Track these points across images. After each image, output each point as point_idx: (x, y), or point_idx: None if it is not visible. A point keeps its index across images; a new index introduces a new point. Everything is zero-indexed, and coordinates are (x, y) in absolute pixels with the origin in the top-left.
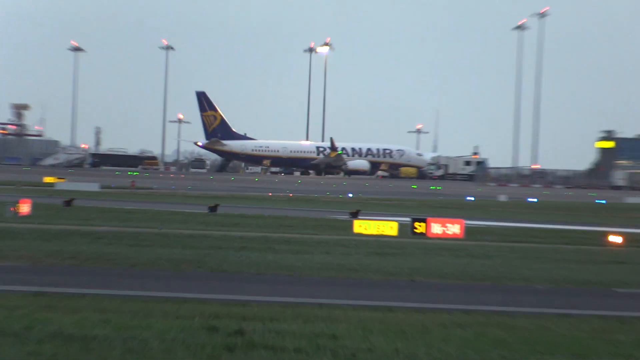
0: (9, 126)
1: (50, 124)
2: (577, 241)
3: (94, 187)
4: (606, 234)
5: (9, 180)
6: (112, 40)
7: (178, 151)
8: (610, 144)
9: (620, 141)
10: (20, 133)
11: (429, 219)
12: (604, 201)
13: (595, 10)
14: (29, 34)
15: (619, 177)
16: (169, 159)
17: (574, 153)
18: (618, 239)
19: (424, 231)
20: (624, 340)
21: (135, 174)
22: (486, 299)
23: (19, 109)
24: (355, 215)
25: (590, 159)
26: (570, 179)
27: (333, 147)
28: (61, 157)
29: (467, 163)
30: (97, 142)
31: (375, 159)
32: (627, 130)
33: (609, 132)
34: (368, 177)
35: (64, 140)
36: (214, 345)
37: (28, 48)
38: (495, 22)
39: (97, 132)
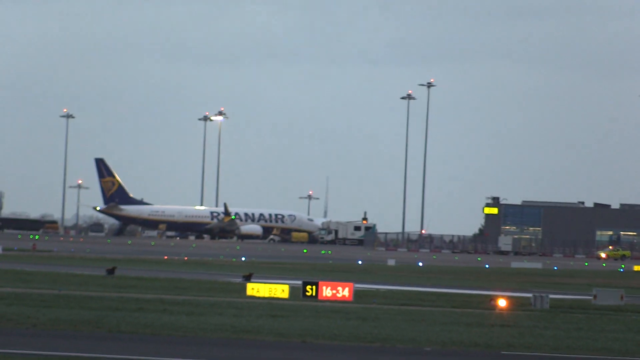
0: None
1: None
2: (464, 304)
3: None
4: (492, 297)
5: None
6: (14, 108)
7: (77, 215)
8: (495, 210)
9: (505, 207)
10: None
11: (320, 282)
12: (487, 265)
13: (480, 80)
14: None
15: (504, 242)
16: (68, 223)
17: (462, 219)
18: (504, 303)
19: (314, 294)
20: None
21: (36, 237)
22: None
23: None
24: (248, 278)
25: (478, 224)
26: (457, 244)
27: (227, 212)
28: None
29: (357, 228)
30: (0, 206)
31: (268, 224)
32: (513, 197)
33: (494, 198)
34: (261, 241)
35: None
36: None
37: None
38: (385, 92)
39: (0, 196)
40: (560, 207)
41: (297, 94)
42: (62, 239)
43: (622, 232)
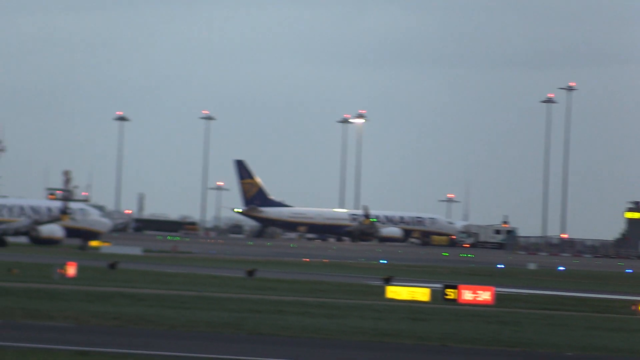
0: (57, 192)
1: (96, 190)
2: (605, 309)
3: (137, 250)
4: (635, 302)
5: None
6: (155, 110)
7: (218, 217)
8: (636, 215)
9: None
10: (67, 198)
11: (460, 285)
12: (629, 270)
13: (622, 83)
14: (76, 104)
15: None
16: (208, 225)
17: (602, 223)
18: None
19: (455, 297)
20: None
21: (176, 238)
22: None
23: (67, 175)
24: (388, 281)
25: (619, 229)
26: (598, 249)
27: (367, 215)
28: None
29: (497, 232)
30: (140, 208)
31: (408, 227)
32: None
33: (636, 203)
34: (401, 244)
35: (109, 205)
36: None
37: (75, 117)
38: (524, 95)
39: (141, 198)
40: None
41: (436, 97)
42: (202, 240)
43: None
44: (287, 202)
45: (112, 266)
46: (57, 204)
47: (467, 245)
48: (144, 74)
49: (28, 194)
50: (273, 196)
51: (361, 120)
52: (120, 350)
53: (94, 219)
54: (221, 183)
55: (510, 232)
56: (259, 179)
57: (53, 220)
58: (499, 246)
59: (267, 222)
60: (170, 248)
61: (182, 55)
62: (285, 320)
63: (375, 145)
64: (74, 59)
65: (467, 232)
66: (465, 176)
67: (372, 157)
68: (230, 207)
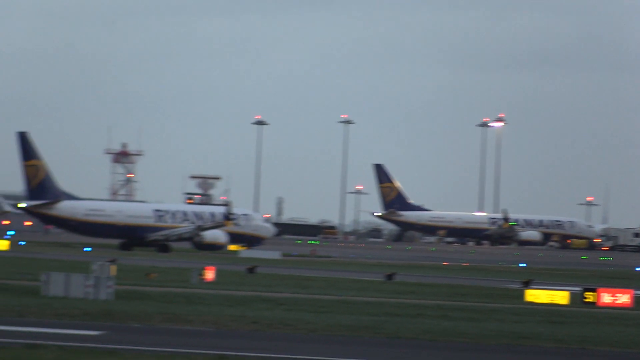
0: (195, 196)
1: (234, 194)
2: None
3: (275, 255)
4: None
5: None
6: (293, 115)
7: (357, 221)
8: None
9: None
10: (206, 203)
11: (599, 288)
12: None
13: None
14: (215, 108)
15: None
16: (347, 229)
17: None
18: None
19: (594, 300)
20: None
21: (315, 242)
22: None
23: (206, 180)
24: (527, 284)
25: None
26: None
27: (506, 219)
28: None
29: (637, 235)
30: (279, 212)
31: (547, 230)
32: None
33: None
34: (539, 247)
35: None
36: None
37: (214, 121)
38: None
39: (279, 202)
40: None
41: (574, 101)
42: (341, 244)
43: None
44: (426, 206)
45: (251, 270)
46: (220, 210)
47: (606, 249)
48: (282, 78)
49: (166, 198)
50: (412, 200)
51: (500, 124)
52: (259, 355)
53: (258, 225)
54: (360, 187)
55: None
56: (398, 183)
57: (217, 226)
58: (639, 249)
59: (406, 226)
60: (309, 252)
61: (321, 60)
62: (424, 323)
63: (514, 149)
64: (212, 63)
65: (606, 235)
66: (605, 179)
67: (511, 160)
68: (370, 211)
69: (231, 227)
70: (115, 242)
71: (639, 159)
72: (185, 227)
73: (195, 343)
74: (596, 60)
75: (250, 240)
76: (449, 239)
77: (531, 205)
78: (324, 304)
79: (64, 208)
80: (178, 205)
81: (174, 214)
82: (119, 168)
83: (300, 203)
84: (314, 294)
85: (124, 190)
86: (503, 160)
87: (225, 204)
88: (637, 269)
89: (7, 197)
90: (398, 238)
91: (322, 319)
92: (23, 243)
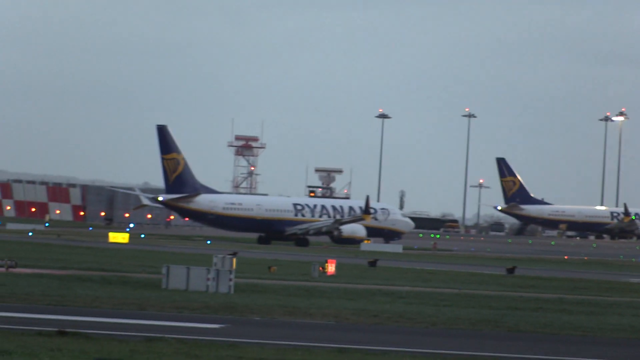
0: (318, 189)
1: (356, 187)
2: None
3: (397, 248)
4: None
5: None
6: (416, 108)
7: (478, 215)
8: None
9: None
10: (328, 196)
11: None
12: None
13: None
14: (337, 101)
15: None
16: (469, 222)
17: None
18: None
19: None
20: None
21: (436, 236)
22: None
23: (329, 173)
24: None
25: None
26: None
27: (627, 212)
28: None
29: None
30: (401, 205)
31: None
32: None
33: None
34: None
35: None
36: None
37: (336, 115)
38: None
39: (402, 195)
40: None
41: None
42: (462, 238)
43: None
44: (547, 200)
45: (372, 264)
46: (359, 204)
47: None
48: (405, 71)
49: (288, 191)
50: (534, 194)
51: (622, 118)
52: (379, 348)
53: (397, 219)
54: (482, 181)
55: None
56: (519, 177)
57: (355, 220)
58: None
59: (527, 220)
60: (431, 246)
61: (444, 53)
62: (544, 317)
63: (636, 143)
64: (336, 55)
65: None
66: None
67: (633, 154)
68: (491, 204)
69: (370, 222)
70: (254, 236)
71: None
72: (324, 221)
73: (316, 336)
74: None
75: (388, 234)
76: (570, 233)
77: None
78: (444, 297)
79: (203, 202)
80: (317, 199)
81: (312, 208)
82: (242, 161)
83: (422, 197)
84: (435, 288)
85: (246, 183)
86: (624, 155)
87: (365, 199)
88: None
89: (147, 190)
90: (520, 232)
91: (443, 312)
92: (143, 236)
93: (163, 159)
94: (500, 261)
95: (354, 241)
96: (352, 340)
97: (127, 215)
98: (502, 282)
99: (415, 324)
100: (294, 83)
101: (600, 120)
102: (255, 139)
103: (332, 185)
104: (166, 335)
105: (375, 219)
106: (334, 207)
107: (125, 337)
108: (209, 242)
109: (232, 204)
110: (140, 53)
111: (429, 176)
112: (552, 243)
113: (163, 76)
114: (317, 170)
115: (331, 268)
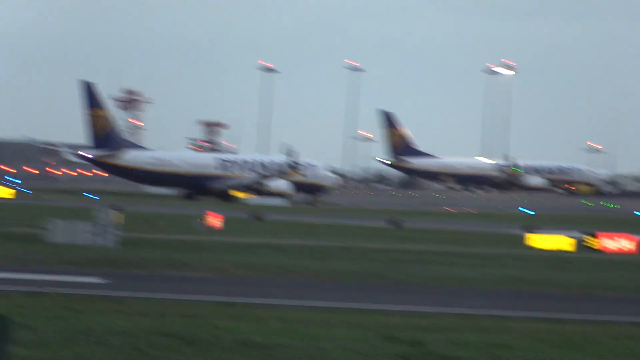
0: (203, 143)
1: (242, 141)
2: None
3: (282, 202)
4: None
5: None
6: (300, 61)
7: (363, 168)
8: None
9: None
10: (213, 150)
11: (599, 233)
12: None
13: None
14: (221, 55)
15: None
16: (354, 176)
17: None
18: None
19: (596, 246)
20: None
21: None
22: None
23: (212, 126)
24: (530, 230)
25: None
26: None
27: (510, 165)
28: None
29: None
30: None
31: (552, 177)
32: None
33: None
34: (545, 194)
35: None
36: (393, 355)
37: (219, 68)
38: None
39: (285, 148)
40: None
41: (584, 50)
42: (348, 192)
43: None
44: (432, 153)
45: (258, 218)
46: (285, 159)
47: (611, 196)
48: (289, 24)
49: (171, 145)
50: (419, 147)
51: (509, 72)
52: (263, 301)
53: (322, 174)
54: (367, 134)
55: None
56: (405, 130)
57: (280, 175)
58: None
59: (413, 173)
60: (316, 199)
61: (328, 6)
62: (430, 270)
63: (523, 96)
64: (220, 10)
65: (611, 182)
66: (612, 127)
67: (519, 108)
68: (377, 158)
69: (296, 177)
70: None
71: None
72: (249, 177)
73: (200, 289)
74: (604, 9)
75: (314, 189)
76: (455, 186)
77: (537, 151)
78: (329, 251)
79: (129, 158)
80: (245, 155)
81: (239, 164)
82: (125, 115)
83: (309, 151)
84: (321, 241)
85: (131, 137)
86: (511, 108)
87: (290, 154)
88: (637, 212)
89: (71, 147)
90: (406, 185)
91: (328, 265)
92: (29, 191)
93: (88, 115)
94: (387, 214)
95: (281, 196)
96: (237, 293)
97: (14, 170)
98: (388, 235)
99: (300, 278)
100: (181, 38)
101: (484, 72)
102: (139, 94)
103: (217, 138)
104: (49, 290)
105: (302, 174)
106: (261, 164)
107: (6, 292)
108: (96, 197)
109: (159, 159)
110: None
111: (315, 130)
112: (438, 196)
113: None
114: (200, 124)
115: (214, 221)
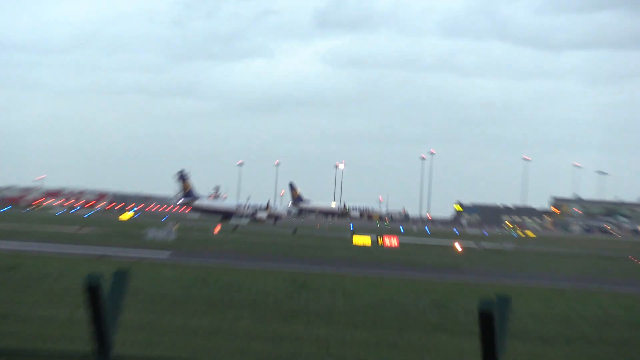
0: (216, 192)
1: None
2: None
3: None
4: None
5: None
6: None
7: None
8: None
9: None
10: (269, 200)
11: None
12: None
13: None
14: None
15: None
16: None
17: None
18: None
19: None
20: None
21: None
22: None
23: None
24: (353, 234)
25: None
26: None
27: (345, 206)
28: None
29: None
30: None
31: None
32: None
33: None
34: None
35: None
36: None
37: None
38: None
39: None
40: None
41: None
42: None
43: None
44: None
45: (234, 228)
46: (262, 203)
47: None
48: None
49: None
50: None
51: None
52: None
53: (280, 211)
54: None
55: None
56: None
57: (262, 210)
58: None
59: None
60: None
61: None
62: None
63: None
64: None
65: (393, 215)
66: None
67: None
68: None
69: (269, 211)
70: None
71: None
72: (248, 211)
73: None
74: None
75: (276, 217)
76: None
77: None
78: None
79: (197, 202)
80: (241, 201)
81: (242, 205)
82: None
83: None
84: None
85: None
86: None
87: (267, 202)
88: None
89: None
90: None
91: None
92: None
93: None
94: None
95: (262, 221)
96: None
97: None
98: None
99: None
100: None
101: None
102: None
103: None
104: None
105: (272, 209)
106: (254, 206)
107: (119, 258)
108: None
109: (211, 203)
110: None
111: None
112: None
113: None
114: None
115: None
